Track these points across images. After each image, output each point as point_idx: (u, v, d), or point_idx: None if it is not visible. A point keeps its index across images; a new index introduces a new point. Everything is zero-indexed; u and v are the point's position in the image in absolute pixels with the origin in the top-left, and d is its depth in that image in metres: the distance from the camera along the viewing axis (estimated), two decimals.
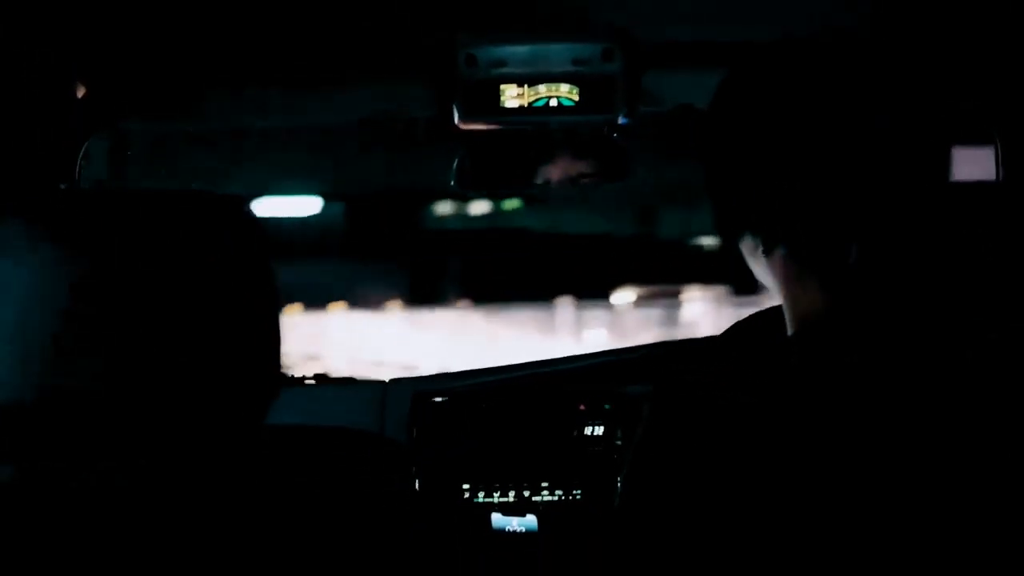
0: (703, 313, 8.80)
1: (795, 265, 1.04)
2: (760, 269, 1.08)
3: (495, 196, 2.10)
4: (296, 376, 2.22)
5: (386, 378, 2.23)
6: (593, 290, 9.01)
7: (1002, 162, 1.90)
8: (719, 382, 1.08)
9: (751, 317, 1.18)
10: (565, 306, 9.24)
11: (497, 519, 2.07)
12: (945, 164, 1.04)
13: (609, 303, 9.31)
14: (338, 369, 2.38)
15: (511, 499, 2.05)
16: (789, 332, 1.07)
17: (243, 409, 0.98)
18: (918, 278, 0.99)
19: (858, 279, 1.01)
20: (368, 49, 1.92)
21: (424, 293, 9.60)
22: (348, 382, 2.23)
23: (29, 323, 0.87)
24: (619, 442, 2.08)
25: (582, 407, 2.09)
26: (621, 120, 1.97)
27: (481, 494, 2.05)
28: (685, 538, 1.00)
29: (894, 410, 0.94)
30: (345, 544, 1.57)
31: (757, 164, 1.04)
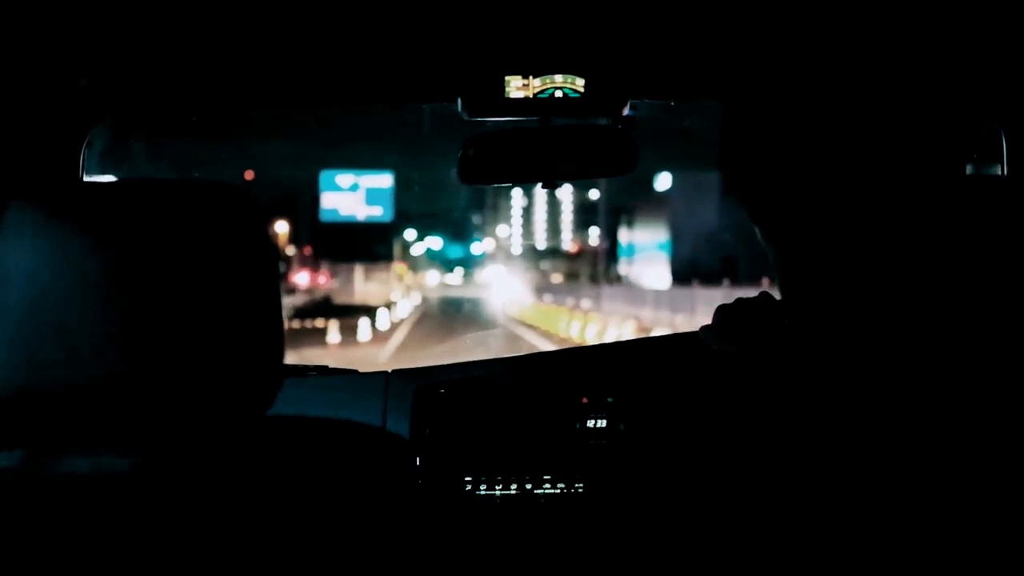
0: None
1: (770, 247, 1.14)
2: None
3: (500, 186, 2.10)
4: (299, 366, 2.27)
5: (388, 369, 2.27)
6: None
7: (1007, 159, 1.97)
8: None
9: (737, 301, 1.27)
10: None
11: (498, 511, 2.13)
12: (945, 161, 1.06)
13: None
14: None
15: (513, 492, 2.12)
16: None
17: (248, 398, 1.01)
18: (883, 274, 1.04)
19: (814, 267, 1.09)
20: (371, 43, 1.98)
21: None
22: (351, 373, 2.27)
23: (38, 309, 0.91)
24: (621, 435, 2.14)
25: (584, 400, 2.15)
26: (627, 111, 2.05)
27: (483, 487, 2.12)
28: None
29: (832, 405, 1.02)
30: (345, 537, 1.64)
31: (747, 160, 1.13)
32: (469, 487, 2.12)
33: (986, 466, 0.99)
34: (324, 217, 45.01)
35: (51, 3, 1.71)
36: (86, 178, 2.04)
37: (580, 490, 2.13)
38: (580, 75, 2.02)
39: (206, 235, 0.96)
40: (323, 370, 2.27)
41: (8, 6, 1.72)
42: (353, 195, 43.64)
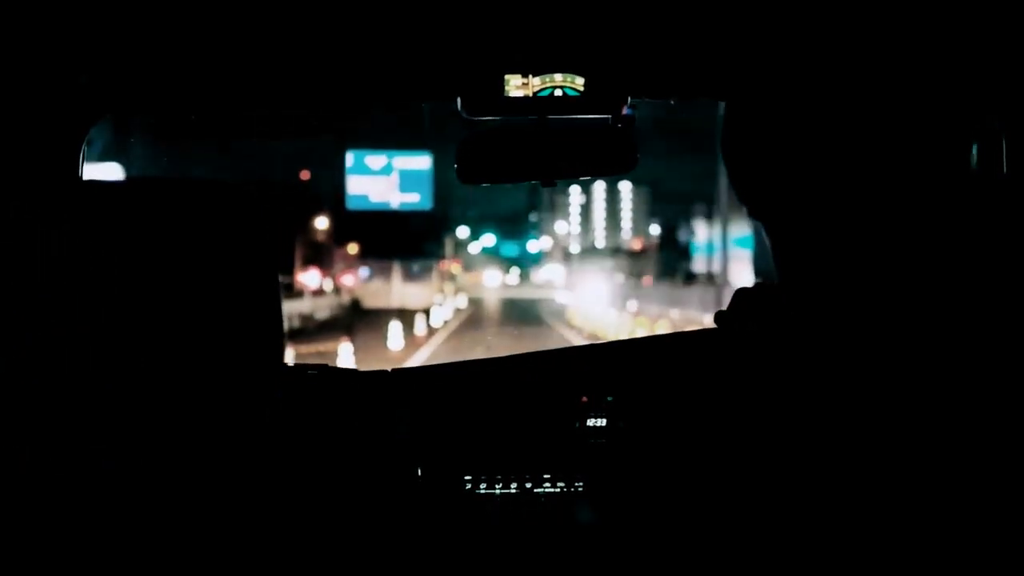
0: None
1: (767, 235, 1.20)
2: None
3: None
4: (299, 365, 2.25)
5: (389, 368, 2.33)
6: None
7: (1007, 159, 1.99)
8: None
9: (757, 285, 1.35)
10: None
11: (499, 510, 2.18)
12: (945, 160, 1.11)
13: None
14: None
15: (513, 491, 2.17)
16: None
17: (247, 398, 1.05)
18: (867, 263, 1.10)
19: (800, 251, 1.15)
20: (369, 43, 2.04)
21: None
22: (351, 372, 2.30)
23: (38, 307, 0.96)
24: (621, 434, 2.19)
25: (584, 399, 2.20)
26: (627, 110, 2.10)
27: (483, 486, 2.17)
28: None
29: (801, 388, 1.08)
30: (348, 536, 1.73)
31: (746, 160, 1.19)
32: (469, 486, 2.18)
33: (980, 451, 1.03)
34: (351, 205, 38.32)
35: (51, 2, 1.78)
36: (86, 177, 2.08)
37: (580, 489, 2.18)
38: (580, 74, 2.07)
39: (204, 234, 1.00)
40: (323, 369, 2.29)
41: (8, 5, 1.78)
42: (386, 179, 37.08)
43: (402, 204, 37.61)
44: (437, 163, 37.43)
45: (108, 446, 1.00)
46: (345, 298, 45.15)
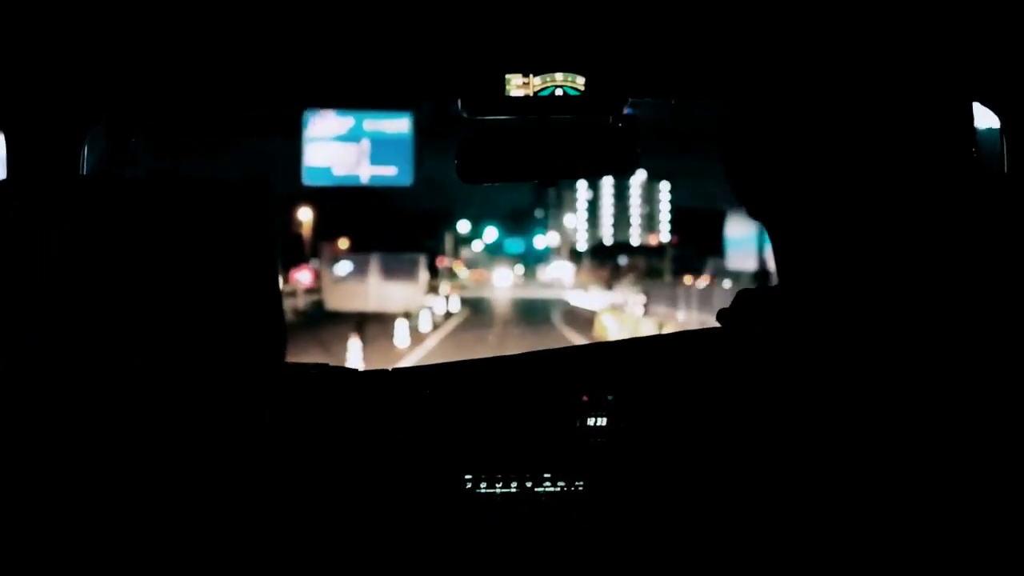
0: None
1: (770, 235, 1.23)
2: None
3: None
4: (299, 364, 2.29)
5: (389, 367, 2.35)
6: None
7: (1007, 158, 2.01)
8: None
9: (760, 286, 1.39)
10: None
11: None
12: (945, 159, 1.13)
13: None
14: None
15: (513, 490, 2.21)
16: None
17: (247, 396, 1.06)
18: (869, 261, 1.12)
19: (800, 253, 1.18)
20: (370, 42, 2.07)
21: None
22: (351, 371, 2.35)
23: (39, 306, 0.97)
24: (622, 433, 2.22)
25: (585, 398, 2.24)
26: (627, 110, 2.13)
27: (483, 485, 2.21)
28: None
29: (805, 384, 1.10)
30: (348, 536, 1.78)
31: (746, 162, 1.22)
32: (469, 485, 2.22)
33: (982, 450, 1.05)
34: (309, 179, 30.13)
35: (51, 2, 1.80)
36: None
37: (580, 489, 2.23)
38: (580, 73, 2.11)
39: (205, 231, 1.01)
40: (323, 368, 2.34)
41: (9, 4, 1.80)
42: (355, 146, 28.79)
43: (374, 178, 29.90)
44: (433, 143, 32.86)
45: (108, 445, 1.00)
46: (301, 300, 37.97)
